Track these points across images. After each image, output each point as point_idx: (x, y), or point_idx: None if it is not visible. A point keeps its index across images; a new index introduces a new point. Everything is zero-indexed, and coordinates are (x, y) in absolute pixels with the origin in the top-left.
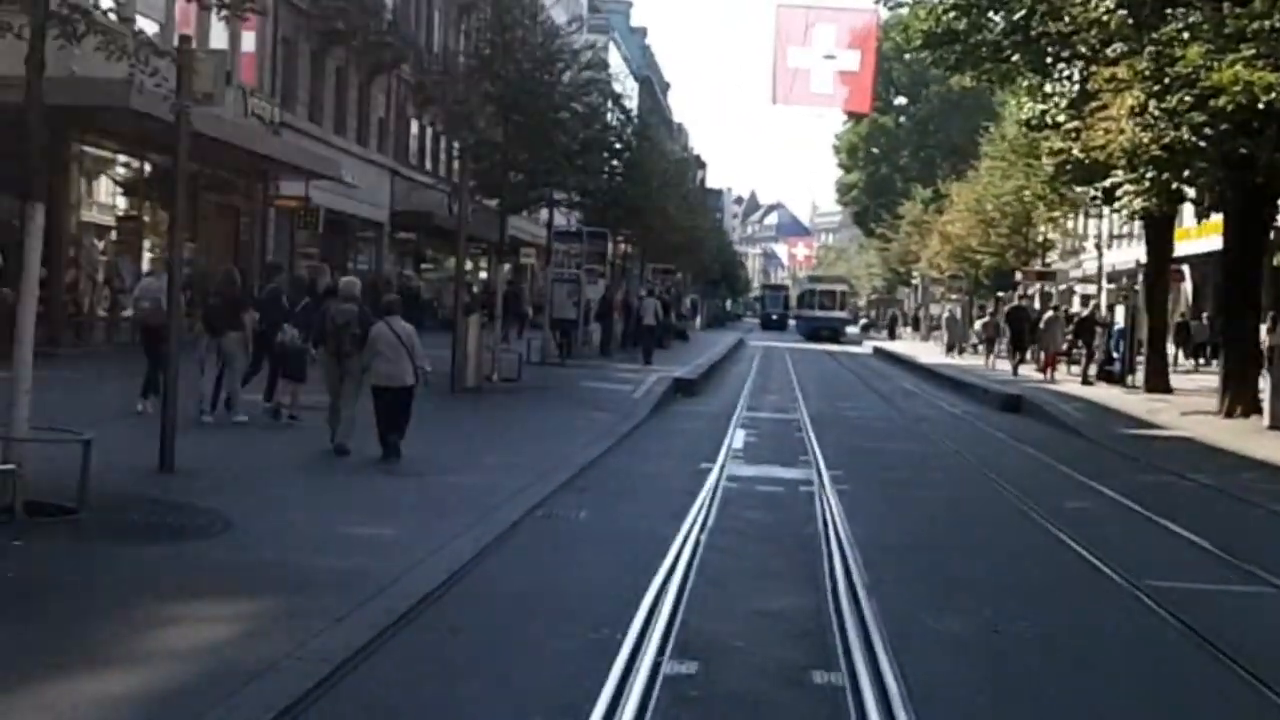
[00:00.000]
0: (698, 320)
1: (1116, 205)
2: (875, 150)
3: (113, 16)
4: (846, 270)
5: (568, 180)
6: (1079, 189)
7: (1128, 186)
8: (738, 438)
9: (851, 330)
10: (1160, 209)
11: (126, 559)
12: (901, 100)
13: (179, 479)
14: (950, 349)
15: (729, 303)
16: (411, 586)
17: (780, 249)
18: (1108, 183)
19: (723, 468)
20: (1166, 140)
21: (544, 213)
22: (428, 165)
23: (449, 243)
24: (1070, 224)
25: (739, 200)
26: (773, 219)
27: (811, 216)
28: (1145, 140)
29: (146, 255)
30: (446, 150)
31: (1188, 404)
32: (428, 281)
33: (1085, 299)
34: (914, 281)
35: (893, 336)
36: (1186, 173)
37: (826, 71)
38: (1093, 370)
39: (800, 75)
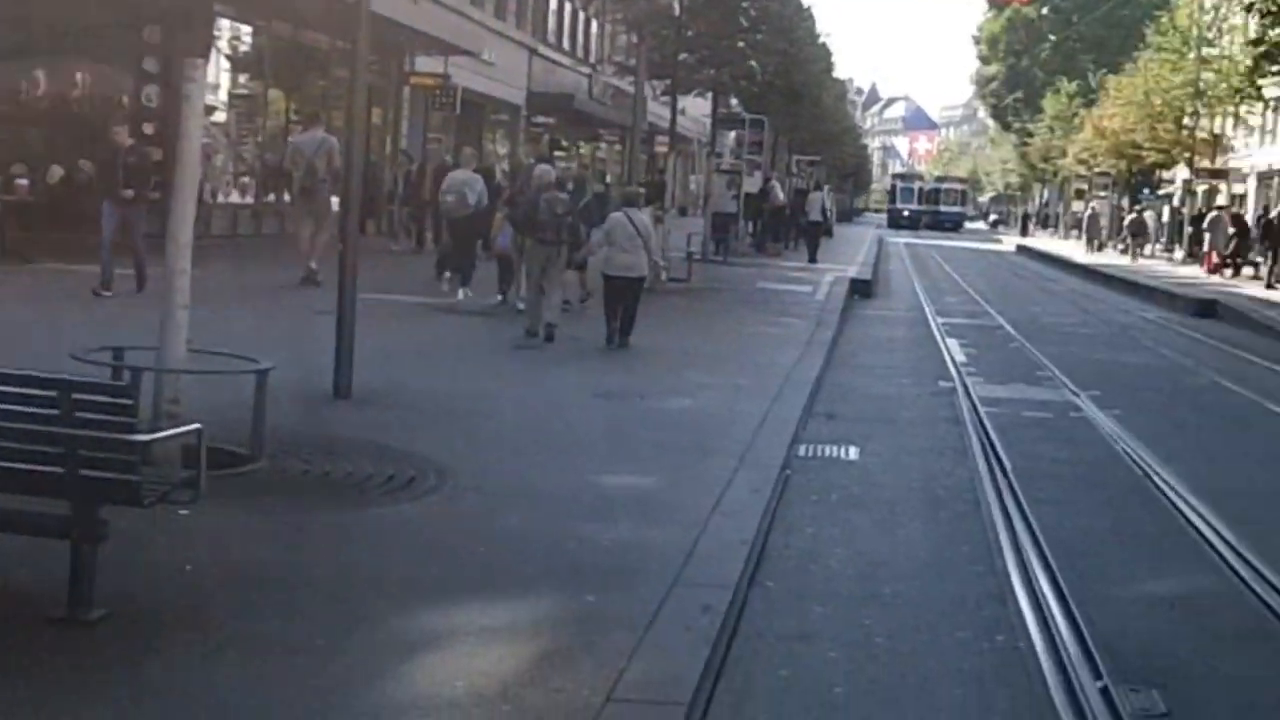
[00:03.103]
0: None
1: None
2: (1018, 42)
3: None
4: (973, 165)
5: (742, 60)
6: None
7: None
8: (953, 349)
9: (975, 225)
10: None
11: (332, 534)
12: None
13: (363, 408)
14: (1090, 246)
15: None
16: (713, 569)
17: (900, 142)
18: None
19: (966, 387)
20: None
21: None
22: (565, 44)
23: (586, 129)
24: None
25: (859, 92)
26: (895, 111)
27: (938, 110)
28: None
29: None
30: (586, 27)
31: None
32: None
33: (1236, 199)
34: (1051, 178)
35: (1025, 233)
36: None
37: None
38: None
39: None
